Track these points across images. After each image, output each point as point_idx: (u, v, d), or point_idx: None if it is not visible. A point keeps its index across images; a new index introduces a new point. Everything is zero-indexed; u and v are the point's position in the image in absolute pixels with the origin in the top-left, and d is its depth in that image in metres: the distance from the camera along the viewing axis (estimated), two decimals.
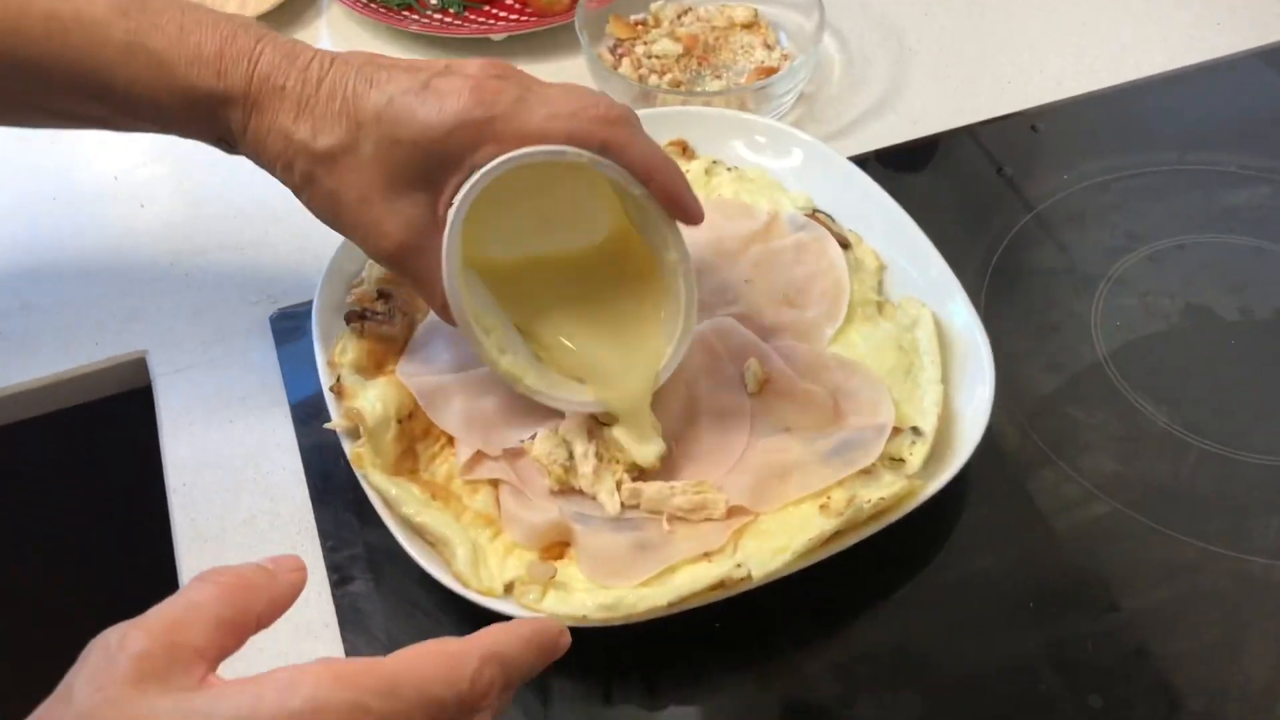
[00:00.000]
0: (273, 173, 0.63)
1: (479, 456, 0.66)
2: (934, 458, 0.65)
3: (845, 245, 0.75)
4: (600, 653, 0.61)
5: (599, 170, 0.61)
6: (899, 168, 0.87)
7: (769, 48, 0.95)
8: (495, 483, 0.66)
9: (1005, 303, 0.78)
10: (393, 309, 0.70)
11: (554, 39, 0.98)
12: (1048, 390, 0.74)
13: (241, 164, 0.87)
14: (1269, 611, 0.64)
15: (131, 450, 0.77)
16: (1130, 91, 0.94)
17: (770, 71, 0.91)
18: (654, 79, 0.92)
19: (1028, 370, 0.75)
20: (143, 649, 0.38)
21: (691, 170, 0.80)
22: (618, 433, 0.65)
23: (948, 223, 0.78)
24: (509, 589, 0.61)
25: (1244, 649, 0.63)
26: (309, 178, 0.61)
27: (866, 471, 0.64)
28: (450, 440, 0.67)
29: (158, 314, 0.79)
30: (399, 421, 0.65)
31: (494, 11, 1.01)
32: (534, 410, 0.67)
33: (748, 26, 0.96)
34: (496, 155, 0.59)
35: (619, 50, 0.94)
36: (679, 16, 0.97)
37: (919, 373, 0.69)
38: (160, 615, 0.40)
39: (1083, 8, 1.01)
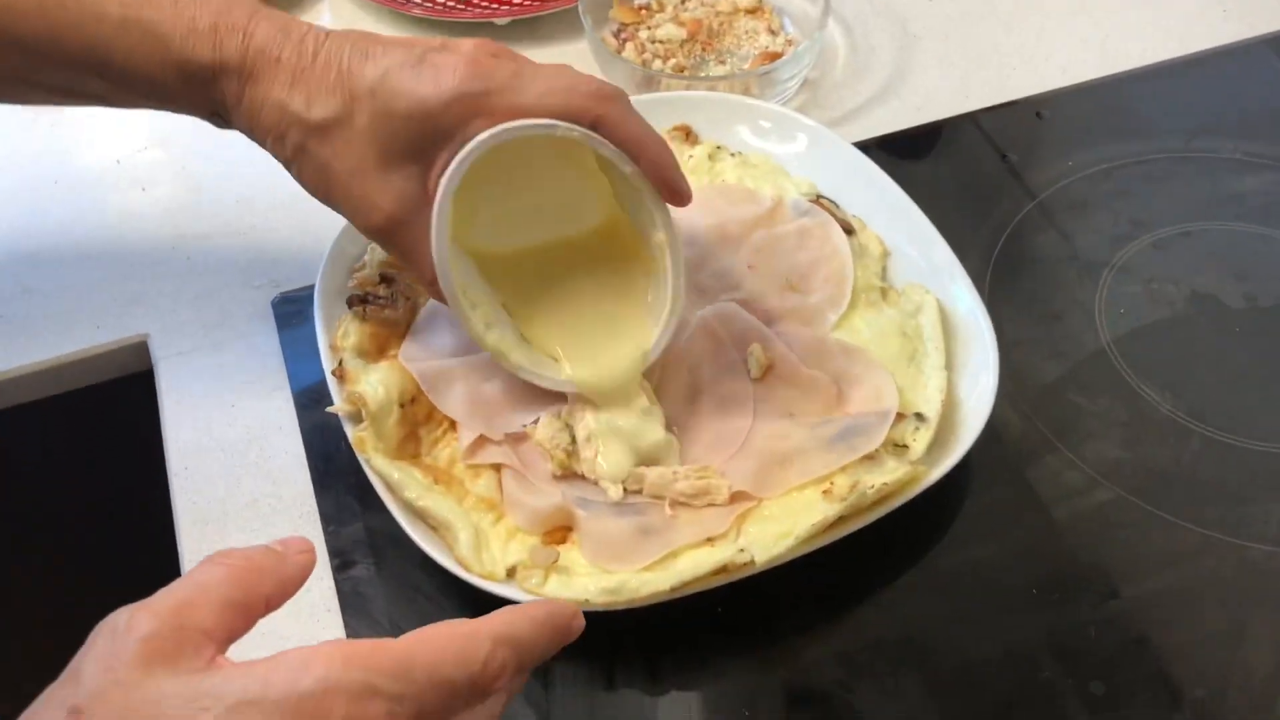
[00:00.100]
0: (264, 145, 0.63)
1: (481, 441, 0.66)
2: (937, 444, 0.65)
3: (849, 231, 0.75)
4: (602, 637, 0.61)
5: (590, 146, 0.61)
6: (903, 154, 0.87)
7: (773, 33, 0.94)
8: (497, 467, 0.65)
9: (1009, 289, 0.78)
10: (395, 293, 0.70)
11: (557, 23, 0.98)
12: (1051, 377, 0.74)
13: (244, 149, 0.87)
14: (1271, 599, 0.64)
15: (133, 434, 0.77)
16: (1136, 78, 0.93)
17: (774, 57, 0.91)
18: (658, 64, 0.91)
19: (1031, 357, 0.74)
20: (151, 631, 0.38)
21: (695, 155, 0.80)
22: (620, 420, 0.65)
23: (952, 209, 0.77)
24: (511, 573, 0.61)
25: (1246, 636, 0.63)
26: (301, 149, 0.61)
27: (870, 457, 0.64)
28: (452, 424, 0.67)
29: (159, 298, 0.79)
30: (401, 406, 0.65)
31: None
32: (537, 395, 0.67)
33: (752, 12, 0.96)
34: (489, 129, 0.59)
35: (623, 35, 0.94)
36: (683, 1, 0.97)
37: (923, 359, 0.69)
38: (168, 597, 0.39)
39: None
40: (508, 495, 0.64)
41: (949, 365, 0.68)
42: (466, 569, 0.60)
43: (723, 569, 0.59)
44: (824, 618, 0.64)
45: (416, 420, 0.66)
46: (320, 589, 0.64)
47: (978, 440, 0.64)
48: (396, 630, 0.62)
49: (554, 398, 0.66)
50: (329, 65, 0.60)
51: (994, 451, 0.69)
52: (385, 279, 0.71)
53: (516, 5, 0.99)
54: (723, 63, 0.93)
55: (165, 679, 0.37)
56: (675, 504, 0.63)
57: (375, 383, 0.65)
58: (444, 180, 0.60)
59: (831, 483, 0.62)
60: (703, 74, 0.92)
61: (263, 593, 0.41)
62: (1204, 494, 0.68)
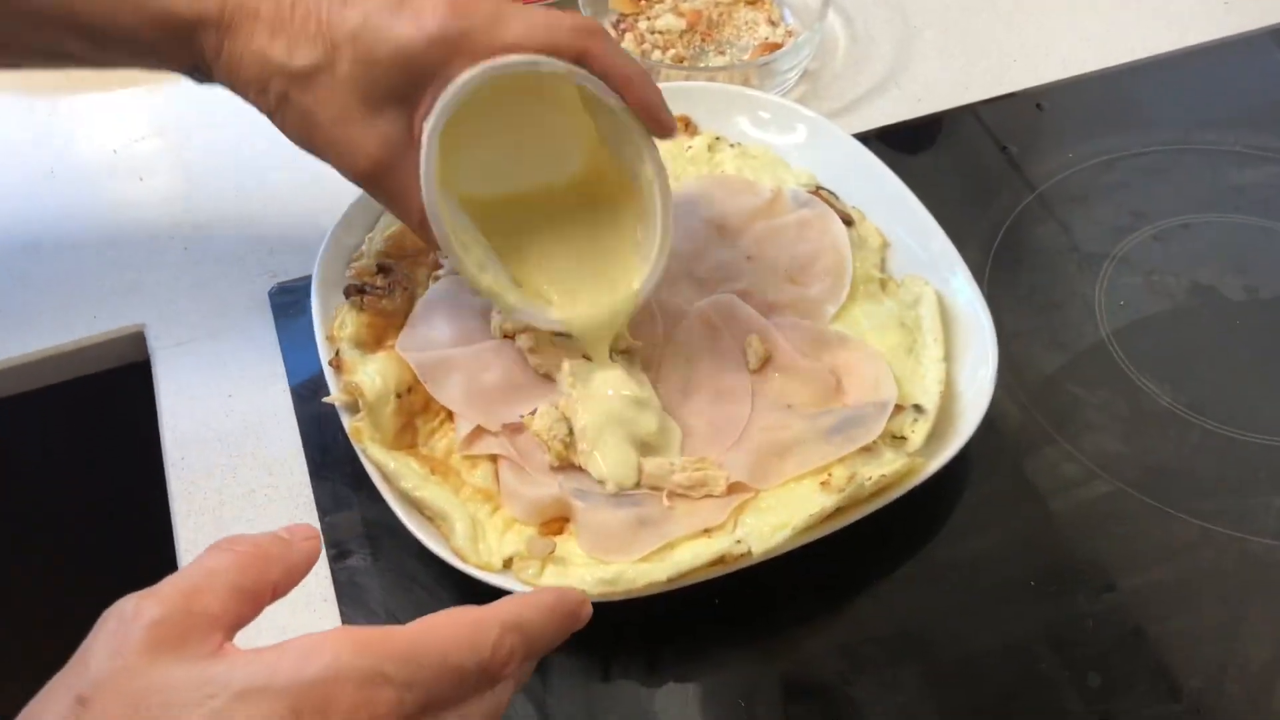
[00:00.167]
0: (246, 97, 0.63)
1: (478, 431, 0.65)
2: (935, 435, 0.65)
3: (848, 222, 0.75)
4: (599, 629, 0.61)
5: (575, 82, 0.61)
6: (903, 146, 0.86)
7: (773, 24, 0.94)
8: (495, 458, 0.65)
9: (1008, 281, 0.78)
10: (392, 283, 0.70)
11: None
12: (1050, 369, 0.74)
13: (241, 137, 0.88)
14: (1269, 592, 0.64)
15: (130, 424, 0.77)
16: (1136, 70, 0.93)
17: (774, 47, 0.90)
18: (657, 54, 0.91)
19: (1030, 349, 0.74)
20: (158, 617, 0.38)
21: (694, 146, 0.80)
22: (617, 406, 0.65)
23: (951, 201, 0.77)
24: (508, 564, 0.61)
25: (1244, 629, 0.63)
26: (284, 99, 0.61)
27: (868, 449, 0.64)
28: (450, 415, 0.67)
29: (156, 288, 0.79)
30: (398, 396, 0.65)
31: None
32: (534, 385, 0.66)
33: (752, 2, 0.96)
34: (473, 68, 0.59)
35: (622, 25, 0.94)
36: None
37: (921, 350, 0.69)
38: (176, 583, 0.39)
39: None
40: (505, 486, 0.64)
41: (948, 357, 0.68)
42: (463, 559, 0.60)
43: (720, 560, 0.59)
44: (822, 609, 0.63)
45: (413, 410, 0.66)
46: (317, 579, 0.64)
47: (976, 432, 0.64)
48: (393, 620, 0.62)
49: (552, 389, 0.66)
50: (308, 15, 0.60)
51: (992, 443, 0.69)
52: (382, 269, 0.71)
53: None
54: (722, 53, 0.93)
55: (172, 666, 0.37)
56: (673, 495, 0.63)
57: (372, 373, 0.65)
58: (430, 119, 0.59)
59: (829, 474, 0.62)
60: (702, 65, 0.91)
61: (270, 579, 0.41)
62: (1203, 487, 0.68)
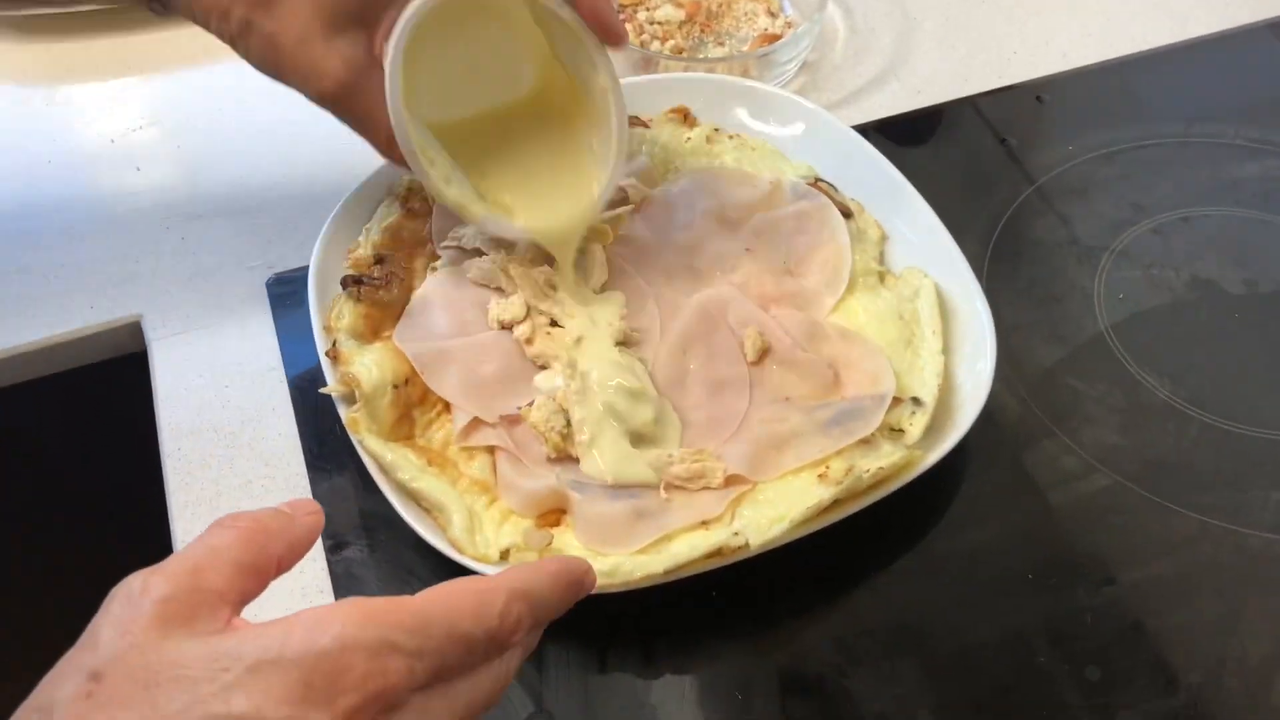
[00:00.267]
0: (207, 26, 0.63)
1: (476, 423, 0.65)
2: (934, 428, 0.64)
3: (847, 215, 0.75)
4: (596, 620, 0.61)
5: None
6: (902, 138, 0.86)
7: (772, 15, 0.94)
8: (492, 450, 0.65)
9: (1007, 274, 0.78)
10: (389, 274, 0.70)
11: None
12: (1049, 362, 0.73)
13: (239, 128, 0.88)
14: (1268, 586, 0.64)
15: (126, 415, 0.77)
16: (1137, 63, 0.93)
17: (773, 39, 0.90)
18: (656, 45, 0.91)
19: (1029, 342, 0.74)
20: (166, 594, 0.38)
21: (693, 138, 0.80)
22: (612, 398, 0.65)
23: (950, 193, 0.77)
24: (505, 556, 0.61)
25: (1242, 623, 0.63)
26: (246, 25, 0.61)
27: (866, 441, 0.64)
28: (447, 406, 0.66)
29: (153, 278, 0.79)
30: (395, 387, 0.65)
31: None
32: (532, 377, 0.66)
33: None
34: None
35: (621, 16, 0.93)
36: None
37: (920, 343, 0.68)
38: (181, 561, 0.39)
39: None
40: (501, 478, 0.64)
41: (946, 349, 0.68)
42: (460, 551, 0.60)
43: (717, 552, 0.59)
44: (819, 602, 0.63)
45: (410, 402, 0.66)
46: (313, 570, 0.64)
47: (975, 425, 0.64)
48: None
49: (550, 382, 0.66)
50: None
51: (991, 436, 0.69)
52: (380, 260, 0.71)
53: None
54: (721, 44, 0.92)
55: (183, 641, 0.37)
56: (670, 487, 0.63)
57: (369, 364, 0.65)
58: (394, 37, 0.61)
59: (827, 466, 0.62)
60: (701, 56, 0.91)
61: (274, 554, 0.41)
62: (1202, 480, 0.68)
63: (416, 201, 0.74)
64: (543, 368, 0.67)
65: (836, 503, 0.61)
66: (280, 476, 0.69)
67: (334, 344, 0.67)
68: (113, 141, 0.88)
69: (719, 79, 0.83)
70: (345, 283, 0.69)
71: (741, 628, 0.62)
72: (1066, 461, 0.69)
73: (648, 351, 0.69)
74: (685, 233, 0.74)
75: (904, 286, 0.72)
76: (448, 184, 0.66)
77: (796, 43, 0.87)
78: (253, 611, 0.42)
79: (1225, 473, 0.68)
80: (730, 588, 0.62)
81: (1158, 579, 0.64)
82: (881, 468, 0.61)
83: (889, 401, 0.65)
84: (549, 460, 0.64)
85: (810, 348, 0.68)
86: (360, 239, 0.73)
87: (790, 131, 0.80)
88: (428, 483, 0.62)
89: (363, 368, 0.65)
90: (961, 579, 0.64)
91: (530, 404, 0.65)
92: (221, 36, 0.63)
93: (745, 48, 0.92)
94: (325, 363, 0.67)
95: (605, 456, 0.63)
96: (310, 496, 0.67)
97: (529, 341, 0.68)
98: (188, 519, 0.67)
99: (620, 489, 0.63)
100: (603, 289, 0.71)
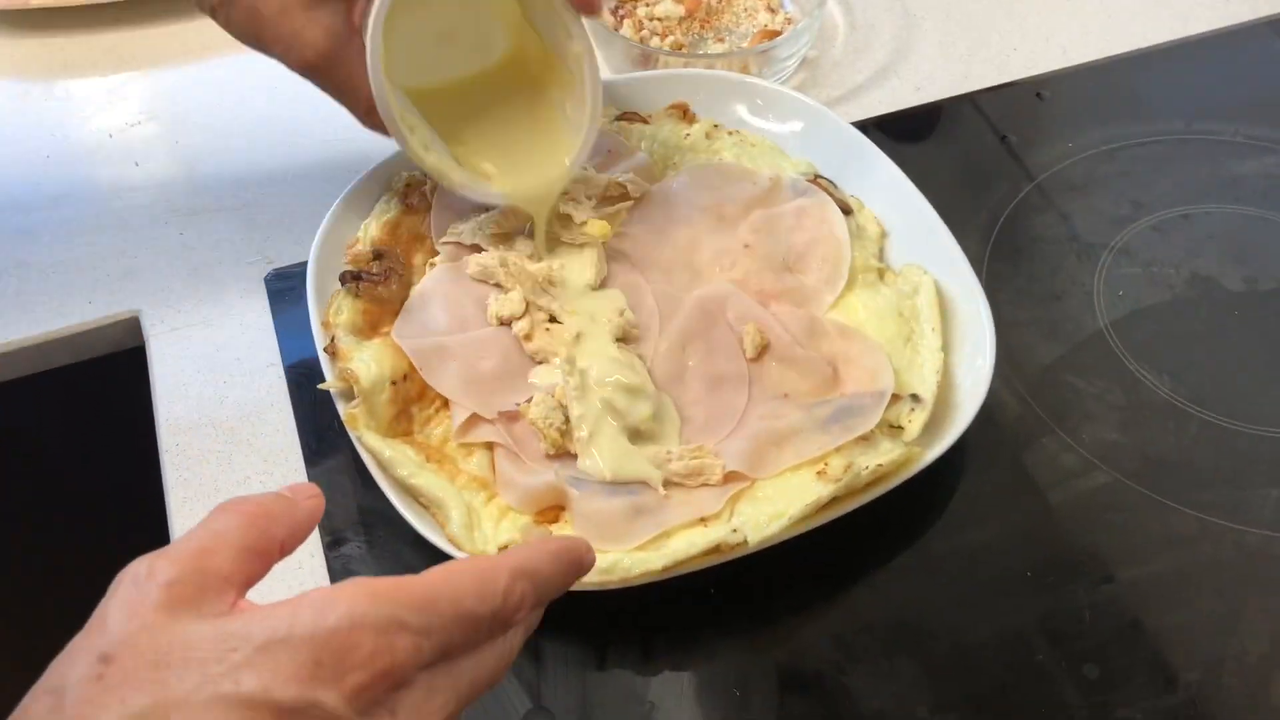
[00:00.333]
0: None
1: (474, 419, 0.65)
2: (933, 425, 0.64)
3: (847, 211, 0.75)
4: (595, 617, 0.61)
5: None
6: (902, 134, 0.86)
7: (772, 11, 0.94)
8: (490, 446, 0.65)
9: (1007, 271, 0.77)
10: (388, 270, 0.70)
11: None
12: (1049, 359, 0.73)
13: (238, 123, 0.88)
14: (1267, 584, 0.64)
15: (124, 411, 0.77)
16: (1137, 60, 0.93)
17: (773, 35, 0.90)
18: (655, 41, 0.90)
19: (1029, 339, 0.74)
20: (173, 577, 0.38)
21: (692, 134, 0.79)
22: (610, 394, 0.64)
23: (950, 190, 0.77)
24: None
25: (1241, 621, 0.62)
26: None
27: (865, 438, 0.63)
28: (445, 403, 0.66)
29: (152, 273, 0.79)
30: (393, 383, 0.65)
31: None
32: (530, 373, 0.66)
33: None
34: None
35: (620, 12, 0.93)
36: None
37: (919, 340, 0.68)
38: (186, 544, 0.39)
39: None
40: (500, 474, 0.64)
41: (945, 347, 0.68)
42: (458, 547, 0.60)
43: (716, 549, 0.59)
44: (817, 599, 0.63)
45: (409, 398, 0.66)
46: (311, 566, 0.64)
47: (974, 422, 0.64)
48: None
49: (548, 377, 0.66)
50: None
51: (990, 433, 0.69)
52: (378, 255, 0.70)
53: None
54: (721, 40, 0.92)
55: (192, 623, 0.37)
56: (669, 484, 0.63)
57: (368, 360, 0.65)
58: (375, 5, 0.62)
59: (826, 463, 0.62)
60: (701, 52, 0.91)
61: (277, 537, 0.42)
62: (1201, 478, 0.68)
63: (415, 197, 0.74)
64: (541, 363, 0.67)
65: (835, 500, 0.61)
66: (278, 472, 0.69)
67: (332, 340, 0.67)
68: (111, 136, 0.88)
69: (719, 75, 0.82)
70: (344, 278, 0.69)
71: (740, 624, 0.62)
72: (1066, 459, 0.68)
73: (647, 348, 0.69)
74: (684, 229, 0.74)
75: (903, 283, 0.72)
76: (427, 150, 0.68)
77: (796, 39, 0.87)
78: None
79: (1225, 470, 0.68)
80: (729, 584, 0.62)
81: (1157, 577, 0.64)
82: (880, 465, 0.61)
83: (888, 398, 0.65)
84: (547, 457, 0.64)
85: (809, 344, 0.68)
86: (359, 234, 0.73)
87: (790, 128, 0.80)
88: (426, 479, 0.62)
89: (361, 363, 0.65)
90: (960, 577, 0.64)
91: (529, 400, 0.65)
92: (202, 8, 0.64)
93: (745, 44, 0.91)
94: (324, 358, 0.67)
95: (604, 453, 0.63)
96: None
97: (528, 337, 0.67)
98: (186, 515, 0.67)
99: (618, 485, 0.62)
100: (602, 285, 0.71)
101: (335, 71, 0.64)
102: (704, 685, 0.61)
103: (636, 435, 0.64)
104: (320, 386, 0.66)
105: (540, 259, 0.71)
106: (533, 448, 0.64)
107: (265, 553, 0.41)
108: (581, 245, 0.72)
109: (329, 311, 0.68)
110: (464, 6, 0.70)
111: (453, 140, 0.71)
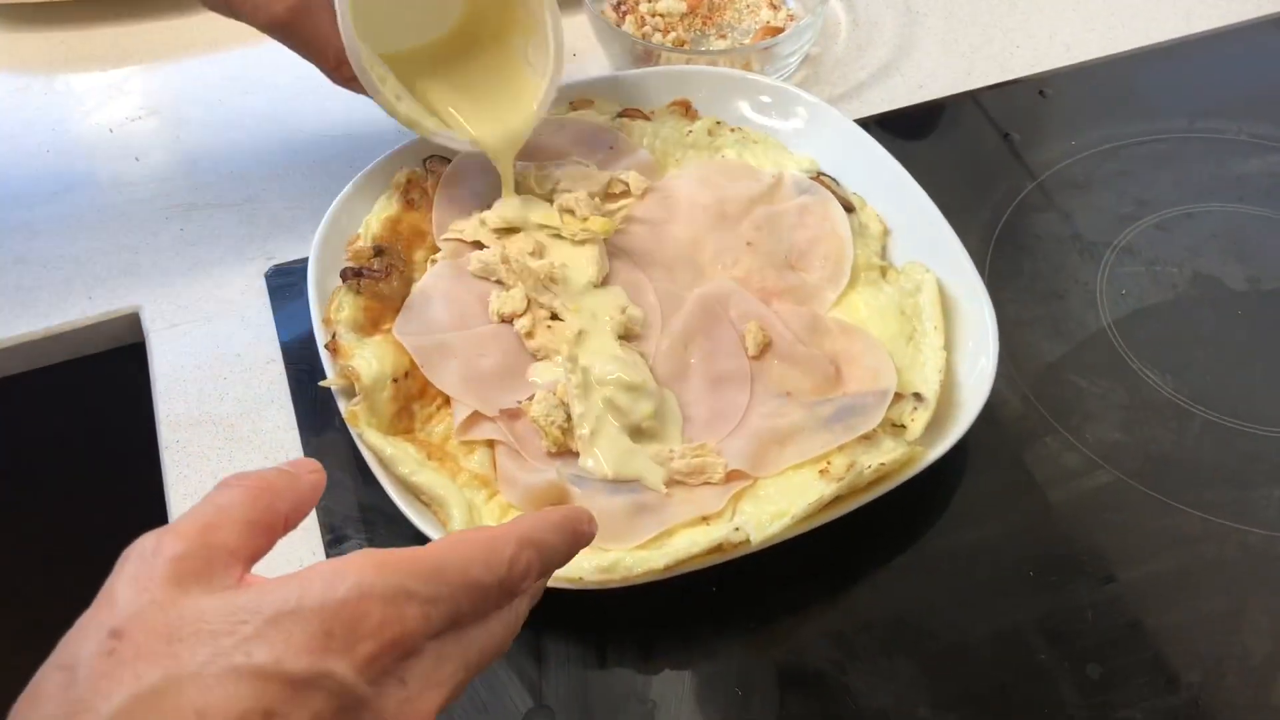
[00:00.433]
0: None
1: (476, 417, 0.65)
2: (935, 424, 0.64)
3: (849, 209, 0.74)
4: (596, 615, 0.61)
5: None
6: (904, 132, 0.86)
7: (774, 7, 0.93)
8: (491, 443, 0.65)
9: (1010, 269, 0.77)
10: (389, 266, 0.70)
11: None
12: (1051, 358, 0.73)
13: (239, 118, 0.87)
14: (1269, 584, 0.64)
15: (124, 406, 0.77)
16: (1141, 58, 0.92)
17: (775, 31, 0.90)
18: (657, 37, 0.90)
19: (1031, 338, 0.74)
20: (180, 551, 0.38)
21: (694, 131, 0.79)
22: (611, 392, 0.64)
23: (952, 188, 0.77)
24: None
25: (1244, 621, 0.62)
26: None
27: (867, 437, 0.63)
28: (447, 400, 0.66)
29: (152, 269, 0.78)
30: (395, 380, 0.65)
31: None
32: (531, 371, 0.66)
33: None
34: None
35: (622, 8, 0.93)
36: None
37: (921, 338, 0.68)
38: (191, 520, 0.40)
39: None
40: (501, 471, 0.64)
41: (948, 345, 0.67)
42: None
43: (718, 548, 0.59)
44: (819, 598, 0.63)
45: (410, 395, 0.66)
46: (312, 563, 0.64)
47: (976, 421, 0.64)
48: None
49: (549, 375, 0.66)
50: None
51: (992, 432, 0.68)
52: (379, 252, 0.70)
53: None
54: (723, 37, 0.92)
55: (201, 597, 0.37)
56: (671, 482, 0.63)
57: (369, 357, 0.65)
58: None
59: (828, 462, 0.62)
60: (703, 48, 0.91)
61: (281, 511, 0.42)
62: (1204, 478, 0.68)
63: (416, 193, 0.74)
64: (543, 360, 0.67)
65: (838, 499, 0.60)
66: None
67: (333, 337, 0.66)
68: (112, 131, 0.88)
69: (721, 72, 0.82)
70: (345, 275, 0.69)
71: (741, 623, 0.62)
72: (1068, 458, 0.68)
73: (648, 345, 0.69)
74: (686, 226, 0.74)
75: (906, 281, 0.71)
76: (399, 100, 0.69)
77: (799, 36, 0.87)
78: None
79: (1227, 470, 0.68)
80: (730, 582, 0.62)
81: (1159, 576, 0.64)
82: (883, 464, 0.61)
83: (890, 397, 0.65)
84: (549, 454, 0.64)
85: (811, 342, 0.68)
86: (360, 230, 0.72)
87: (792, 125, 0.80)
88: (428, 477, 0.62)
89: (362, 361, 0.64)
90: (962, 576, 0.64)
91: (530, 398, 0.65)
92: None
93: (747, 40, 0.91)
94: (324, 355, 0.66)
95: (605, 451, 0.63)
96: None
97: (529, 335, 0.67)
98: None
99: (620, 483, 0.62)
100: (603, 282, 0.71)
101: (304, 27, 0.65)
102: (705, 683, 0.61)
103: (638, 433, 0.64)
104: (321, 384, 0.66)
105: (508, 201, 0.73)
106: (534, 445, 0.64)
107: (270, 527, 0.41)
108: (583, 242, 0.72)
109: (330, 308, 0.68)
110: None
111: (421, 95, 0.72)
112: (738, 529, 0.59)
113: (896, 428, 0.64)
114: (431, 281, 0.70)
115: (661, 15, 0.91)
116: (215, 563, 0.38)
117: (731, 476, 0.63)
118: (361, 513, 0.65)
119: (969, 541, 0.65)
